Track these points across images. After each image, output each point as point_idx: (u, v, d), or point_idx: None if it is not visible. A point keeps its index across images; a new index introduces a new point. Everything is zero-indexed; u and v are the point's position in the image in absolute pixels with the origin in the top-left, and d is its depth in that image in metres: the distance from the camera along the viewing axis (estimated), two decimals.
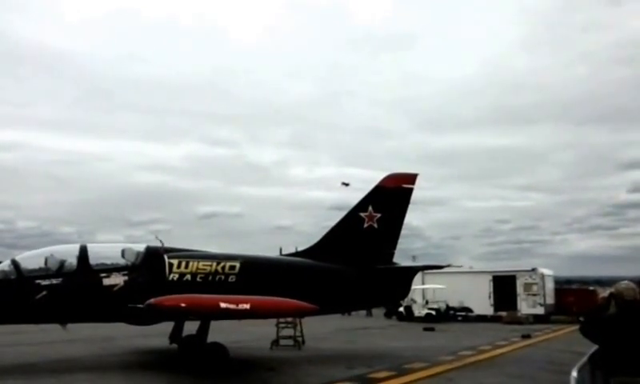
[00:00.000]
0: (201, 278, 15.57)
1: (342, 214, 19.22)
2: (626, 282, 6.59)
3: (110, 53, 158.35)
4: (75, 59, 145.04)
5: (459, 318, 37.03)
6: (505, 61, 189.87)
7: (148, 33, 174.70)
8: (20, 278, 14.44)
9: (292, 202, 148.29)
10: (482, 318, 36.46)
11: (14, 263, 14.71)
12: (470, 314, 37.43)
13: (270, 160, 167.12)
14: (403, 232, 19.34)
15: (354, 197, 19.54)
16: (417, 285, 32.37)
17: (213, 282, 15.52)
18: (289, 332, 20.45)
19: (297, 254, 18.94)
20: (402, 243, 19.86)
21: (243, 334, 22.94)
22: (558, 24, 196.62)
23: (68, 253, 15.33)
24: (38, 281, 14.41)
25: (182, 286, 14.97)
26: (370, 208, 18.68)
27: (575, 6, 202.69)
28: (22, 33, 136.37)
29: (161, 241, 16.13)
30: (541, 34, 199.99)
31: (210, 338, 14.97)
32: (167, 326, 17.14)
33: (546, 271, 38.08)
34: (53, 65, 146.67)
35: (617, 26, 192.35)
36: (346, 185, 23.30)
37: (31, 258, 15.24)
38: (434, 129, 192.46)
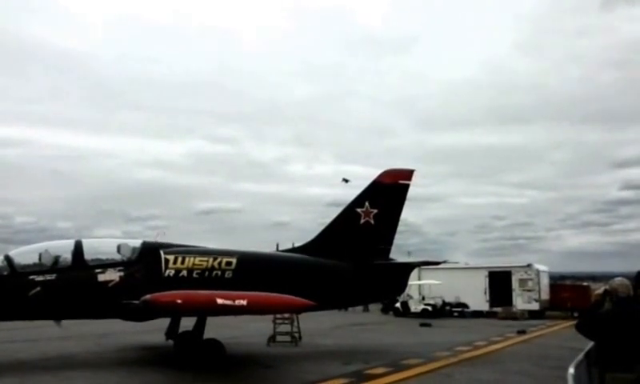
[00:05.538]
0: (197, 273, 15.48)
1: (340, 210, 19.17)
2: (619, 278, 6.60)
3: (115, 52, 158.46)
4: (80, 58, 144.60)
5: (455, 314, 37.15)
6: (501, 63, 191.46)
7: (153, 33, 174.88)
8: (13, 273, 14.25)
9: (291, 198, 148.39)
10: (477, 314, 36.56)
11: (8, 258, 14.49)
12: (465, 309, 37.53)
13: (270, 157, 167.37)
14: (399, 228, 19.35)
15: (352, 193, 19.45)
16: (413, 281, 32.45)
17: (209, 278, 15.44)
18: (286, 328, 20.40)
19: (294, 249, 18.88)
20: (399, 239, 19.87)
21: (240, 330, 22.93)
22: (553, 28, 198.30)
23: (63, 248, 15.16)
24: (31, 276, 14.23)
25: (178, 281, 14.91)
26: (367, 204, 18.64)
27: (569, 11, 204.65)
28: (28, 31, 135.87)
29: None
30: (536, 37, 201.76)
31: (207, 334, 14.94)
32: (163, 322, 17.08)
33: (541, 267, 38.22)
34: (58, 63, 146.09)
35: (608, 30, 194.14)
36: (346, 181, 23.39)
37: (25, 254, 15.05)
38: (433, 128, 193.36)
